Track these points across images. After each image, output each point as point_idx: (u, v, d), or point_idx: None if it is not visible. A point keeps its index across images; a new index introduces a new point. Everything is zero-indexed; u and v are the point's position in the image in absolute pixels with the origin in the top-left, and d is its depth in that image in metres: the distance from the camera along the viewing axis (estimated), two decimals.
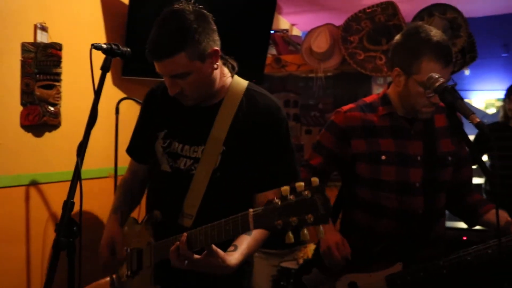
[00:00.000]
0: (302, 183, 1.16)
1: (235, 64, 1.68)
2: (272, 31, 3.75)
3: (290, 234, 1.17)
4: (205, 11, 1.53)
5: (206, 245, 1.39)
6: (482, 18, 5.72)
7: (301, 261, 3.09)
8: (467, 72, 4.36)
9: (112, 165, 2.93)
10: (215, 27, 1.54)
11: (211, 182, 1.58)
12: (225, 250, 1.46)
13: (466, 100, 6.22)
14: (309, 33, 3.73)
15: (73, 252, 1.41)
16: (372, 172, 1.90)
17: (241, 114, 1.60)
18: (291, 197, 1.17)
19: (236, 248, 1.49)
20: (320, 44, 3.56)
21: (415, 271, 1.83)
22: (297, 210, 1.16)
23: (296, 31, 6.08)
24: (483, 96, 6.19)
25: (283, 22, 5.77)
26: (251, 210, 1.28)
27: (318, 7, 5.42)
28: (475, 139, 3.59)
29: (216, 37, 1.54)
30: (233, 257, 1.45)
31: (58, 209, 1.94)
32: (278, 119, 1.61)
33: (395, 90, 1.90)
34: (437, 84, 1.59)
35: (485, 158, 4.11)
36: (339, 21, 3.68)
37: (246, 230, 1.30)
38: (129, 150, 1.86)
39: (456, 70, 3.80)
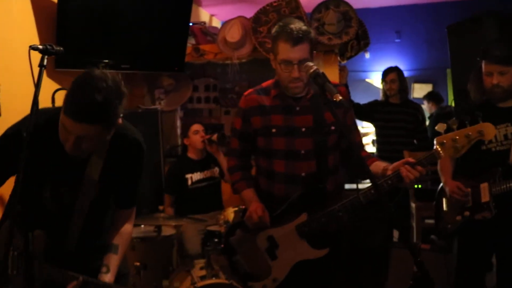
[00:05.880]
0: None
1: None
2: (191, 24, 4.07)
3: None
4: (119, 79, 1.60)
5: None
6: (377, 9, 6.39)
7: (221, 223, 3.38)
8: (367, 55, 4.91)
9: None
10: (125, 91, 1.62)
11: (90, 210, 1.79)
12: (98, 271, 1.77)
13: (367, 80, 6.95)
14: (223, 25, 4.08)
15: None
16: (266, 143, 2.23)
17: (110, 152, 1.77)
18: None
19: (108, 269, 1.79)
20: (233, 34, 3.90)
21: (318, 217, 2.13)
22: None
23: (215, 21, 6.45)
24: None
25: (203, 13, 6.13)
26: None
27: None
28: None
29: (125, 101, 1.62)
30: (108, 278, 1.77)
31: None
32: (140, 150, 1.85)
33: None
34: (311, 70, 1.91)
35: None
36: (254, 11, 4.00)
37: None
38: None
39: (353, 54, 4.29)
